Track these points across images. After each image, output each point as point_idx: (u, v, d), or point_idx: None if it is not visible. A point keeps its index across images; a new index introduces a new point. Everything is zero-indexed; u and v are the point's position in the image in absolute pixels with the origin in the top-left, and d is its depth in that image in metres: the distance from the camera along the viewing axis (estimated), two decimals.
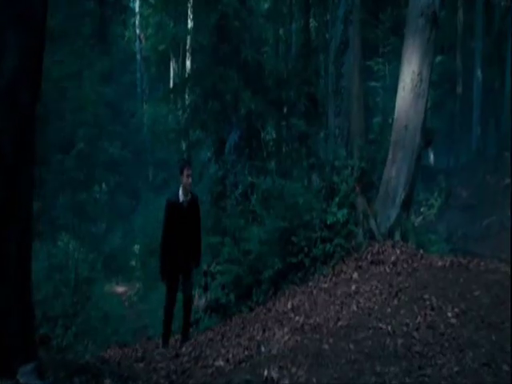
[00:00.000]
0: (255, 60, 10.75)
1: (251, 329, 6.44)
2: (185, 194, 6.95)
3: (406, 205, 9.11)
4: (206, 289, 8.60)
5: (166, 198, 7.13)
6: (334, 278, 7.72)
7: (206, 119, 11.05)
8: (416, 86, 8.91)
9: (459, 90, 27.13)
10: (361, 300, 6.71)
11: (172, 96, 12.72)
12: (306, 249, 8.03)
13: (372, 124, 11.37)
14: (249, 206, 8.80)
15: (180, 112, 12.09)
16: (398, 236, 8.80)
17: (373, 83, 17.77)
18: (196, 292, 8.55)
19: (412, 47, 8.96)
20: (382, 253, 8.27)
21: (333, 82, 9.55)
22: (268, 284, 7.98)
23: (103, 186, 18.38)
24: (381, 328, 5.91)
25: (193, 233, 7.11)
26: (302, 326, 6.22)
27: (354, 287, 7.17)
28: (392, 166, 9.06)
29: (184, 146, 13.35)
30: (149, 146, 20.00)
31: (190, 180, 6.89)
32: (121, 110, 19.96)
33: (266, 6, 16.87)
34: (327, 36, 14.29)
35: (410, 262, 8.06)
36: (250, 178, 8.97)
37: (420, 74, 8.89)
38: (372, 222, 8.81)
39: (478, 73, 26.34)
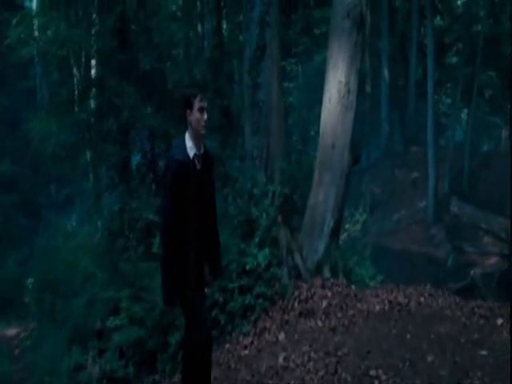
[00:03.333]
0: (157, 70, 8.46)
1: None
2: (197, 145, 3.97)
3: (335, 233, 7.33)
4: (100, 353, 6.38)
5: (168, 158, 4.04)
6: (255, 341, 5.73)
7: (101, 139, 8.59)
8: (343, 97, 7.10)
9: (368, 89, 26.04)
10: (292, 382, 4.76)
11: (64, 110, 10.04)
12: (220, 301, 5.98)
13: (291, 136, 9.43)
14: (151, 247, 6.62)
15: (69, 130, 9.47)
16: (327, 272, 6.99)
17: (286, 84, 16.26)
18: (89, 356, 6.28)
19: (338, 52, 7.11)
20: (312, 297, 6.43)
21: (249, 94, 7.47)
22: (176, 348, 5.87)
23: None
24: None
25: (208, 212, 4.14)
26: None
27: (281, 358, 5.22)
28: (318, 189, 7.23)
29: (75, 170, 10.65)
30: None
31: (205, 117, 3.95)
32: (17, 119, 16.94)
33: (174, 7, 14.55)
34: (241, 38, 12.26)
35: (344, 307, 6.30)
36: (150, 216, 6.80)
37: (348, 83, 7.07)
38: (297, 258, 6.94)
39: (385, 72, 25.37)
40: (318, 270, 6.99)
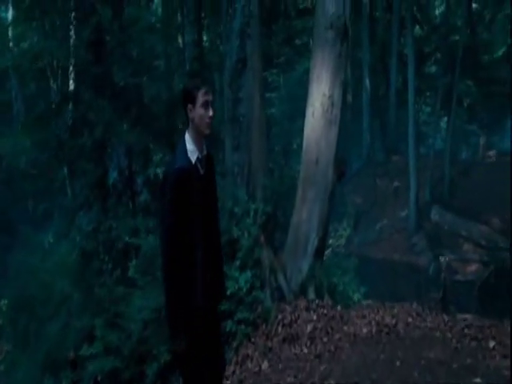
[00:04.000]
0: (133, 85, 8.02)
1: None
2: (199, 147, 3.31)
3: (320, 252, 6.97)
4: None
5: (168, 166, 3.43)
6: (237, 371, 5.36)
7: (76, 156, 8.10)
8: (327, 111, 6.76)
9: (349, 98, 25.89)
10: None
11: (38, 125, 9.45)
12: None
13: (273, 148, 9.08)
14: (128, 271, 6.19)
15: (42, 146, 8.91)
16: (311, 293, 6.62)
17: (268, 94, 16.09)
18: None
19: (321, 64, 6.79)
20: (296, 321, 6.07)
21: (229, 108, 7.11)
22: (153, 377, 5.47)
23: None
24: None
25: (212, 220, 3.51)
26: None
27: None
28: (302, 206, 6.89)
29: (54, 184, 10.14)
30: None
31: (210, 113, 3.25)
32: None
33: (154, 18, 14.13)
34: (221, 49, 11.92)
35: (329, 331, 5.94)
36: (127, 238, 6.39)
37: (331, 96, 6.74)
38: (281, 279, 6.58)
39: (366, 82, 25.24)
40: (303, 290, 6.64)
